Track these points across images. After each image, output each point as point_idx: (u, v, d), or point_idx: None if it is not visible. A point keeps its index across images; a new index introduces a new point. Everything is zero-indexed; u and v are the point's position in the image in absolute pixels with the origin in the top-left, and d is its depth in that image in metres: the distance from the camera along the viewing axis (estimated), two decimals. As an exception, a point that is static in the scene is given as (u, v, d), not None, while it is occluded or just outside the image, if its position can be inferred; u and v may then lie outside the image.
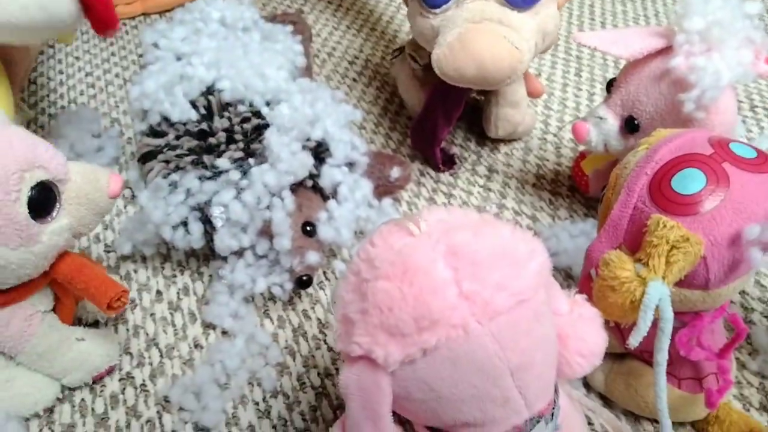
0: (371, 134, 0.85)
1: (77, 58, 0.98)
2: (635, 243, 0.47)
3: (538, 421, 0.37)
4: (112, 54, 0.99)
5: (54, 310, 0.53)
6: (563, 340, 0.40)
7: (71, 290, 0.50)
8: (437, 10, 0.65)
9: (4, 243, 0.43)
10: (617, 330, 0.51)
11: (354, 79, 0.95)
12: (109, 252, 0.69)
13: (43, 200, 0.45)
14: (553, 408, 0.38)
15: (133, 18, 1.07)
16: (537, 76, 0.95)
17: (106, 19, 0.56)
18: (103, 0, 0.57)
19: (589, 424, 0.50)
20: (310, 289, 0.65)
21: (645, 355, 0.54)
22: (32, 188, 0.44)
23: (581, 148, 0.82)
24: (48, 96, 0.90)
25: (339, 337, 0.38)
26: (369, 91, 0.93)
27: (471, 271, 0.34)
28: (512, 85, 0.75)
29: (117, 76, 0.94)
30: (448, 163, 0.79)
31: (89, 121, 0.80)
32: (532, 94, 0.82)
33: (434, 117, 0.76)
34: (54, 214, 0.46)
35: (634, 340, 0.44)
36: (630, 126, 0.61)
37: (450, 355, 0.34)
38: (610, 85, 0.63)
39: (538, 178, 0.78)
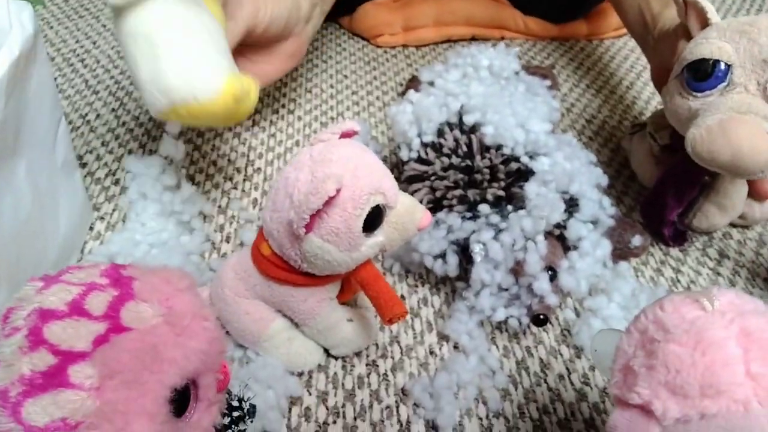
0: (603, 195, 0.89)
1: (345, 77, 1.11)
2: None
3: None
4: (374, 78, 1.12)
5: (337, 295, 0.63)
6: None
7: (361, 291, 0.60)
8: (699, 95, 0.67)
9: (337, 245, 0.53)
10: None
11: (590, 137, 1.00)
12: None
13: (374, 220, 0.53)
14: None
15: (394, 47, 1.20)
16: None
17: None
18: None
19: None
20: (535, 330, 0.70)
21: None
22: (372, 208, 0.53)
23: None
24: (320, 105, 1.04)
25: (616, 383, 0.43)
26: (603, 152, 0.97)
27: (761, 354, 0.37)
28: (727, 187, 0.75)
29: (377, 98, 1.06)
30: (679, 239, 0.81)
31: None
32: (761, 196, 0.80)
33: (665, 197, 0.77)
34: (376, 231, 0.55)
35: None
36: None
37: (725, 425, 0.38)
38: None
39: (771, 273, 0.78)
